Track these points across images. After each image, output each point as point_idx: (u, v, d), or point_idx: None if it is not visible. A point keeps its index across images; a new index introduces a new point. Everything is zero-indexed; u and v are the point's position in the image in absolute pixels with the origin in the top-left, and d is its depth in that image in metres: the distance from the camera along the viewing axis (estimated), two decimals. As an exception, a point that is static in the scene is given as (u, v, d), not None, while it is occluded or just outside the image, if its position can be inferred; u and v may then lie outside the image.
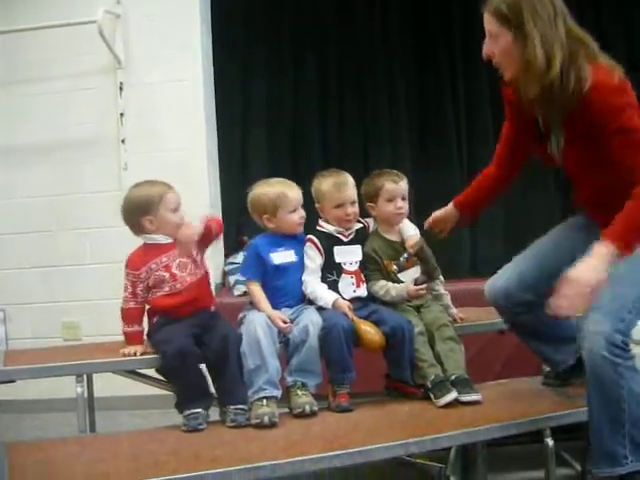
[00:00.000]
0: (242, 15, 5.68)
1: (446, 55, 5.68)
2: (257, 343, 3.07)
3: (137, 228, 3.26)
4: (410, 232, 3.47)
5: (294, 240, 3.40)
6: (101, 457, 2.70)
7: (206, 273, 3.35)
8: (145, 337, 3.25)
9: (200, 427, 2.96)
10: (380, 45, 5.69)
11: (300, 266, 3.37)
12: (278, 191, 3.34)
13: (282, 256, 3.36)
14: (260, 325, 3.11)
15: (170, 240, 3.23)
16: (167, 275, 3.18)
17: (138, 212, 3.22)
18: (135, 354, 3.15)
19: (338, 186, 3.38)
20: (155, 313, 3.21)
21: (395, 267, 3.39)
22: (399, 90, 5.68)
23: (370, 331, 3.17)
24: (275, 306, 3.27)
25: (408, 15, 5.74)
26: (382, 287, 3.36)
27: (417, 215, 5.32)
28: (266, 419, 2.93)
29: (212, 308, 3.35)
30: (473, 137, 5.71)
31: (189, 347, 3.01)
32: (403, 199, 3.45)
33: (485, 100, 5.68)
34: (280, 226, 3.37)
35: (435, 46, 5.68)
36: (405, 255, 3.37)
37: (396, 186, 3.43)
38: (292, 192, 3.36)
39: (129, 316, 3.20)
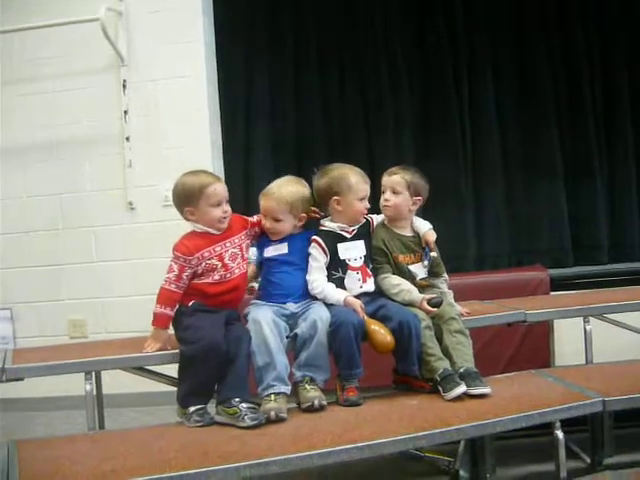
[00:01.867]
0: (244, 9, 5.66)
1: (449, 47, 5.64)
2: (264, 341, 3.07)
3: (183, 215, 3.27)
4: (426, 227, 3.48)
5: (290, 236, 3.39)
6: (110, 454, 2.69)
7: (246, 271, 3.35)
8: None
9: (212, 422, 2.97)
10: (382, 35, 5.66)
11: (295, 261, 3.36)
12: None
13: (273, 249, 3.37)
14: (266, 322, 3.11)
15: (219, 232, 3.25)
16: (219, 264, 3.19)
17: (181, 201, 3.24)
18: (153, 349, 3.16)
19: (364, 179, 3.41)
20: (193, 296, 3.19)
21: (426, 262, 3.43)
22: (402, 82, 5.65)
23: (380, 331, 3.16)
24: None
25: (411, 3, 5.71)
26: (395, 286, 3.35)
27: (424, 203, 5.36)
28: (272, 414, 2.93)
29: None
30: (476, 130, 5.69)
31: (221, 344, 3.01)
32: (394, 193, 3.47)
33: (489, 92, 5.66)
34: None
35: (438, 38, 5.65)
36: (427, 250, 3.43)
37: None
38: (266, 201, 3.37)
39: (166, 298, 3.16)
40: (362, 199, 3.37)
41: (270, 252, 3.37)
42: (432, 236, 3.45)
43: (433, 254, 3.43)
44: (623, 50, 5.64)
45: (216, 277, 3.19)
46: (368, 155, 5.61)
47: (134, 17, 5.30)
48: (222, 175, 5.42)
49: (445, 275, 3.56)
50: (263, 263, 3.37)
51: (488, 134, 5.66)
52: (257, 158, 5.58)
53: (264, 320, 3.13)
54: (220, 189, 3.24)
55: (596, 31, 5.64)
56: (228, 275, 3.21)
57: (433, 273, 3.51)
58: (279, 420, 2.93)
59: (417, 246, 3.46)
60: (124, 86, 5.29)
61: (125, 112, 5.29)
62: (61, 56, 5.35)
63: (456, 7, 5.64)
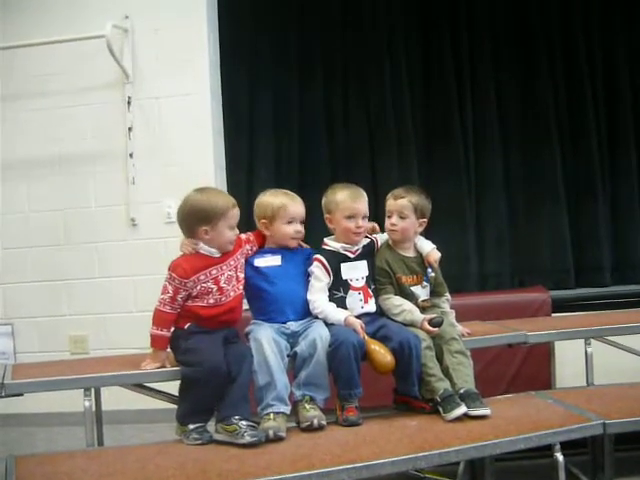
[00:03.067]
0: (249, 26, 5.68)
1: (453, 63, 5.66)
2: (265, 360, 3.06)
3: (190, 233, 3.22)
4: (429, 247, 3.48)
5: (285, 250, 3.40)
6: (108, 471, 2.69)
7: (242, 291, 3.34)
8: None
9: (210, 440, 2.96)
10: (387, 53, 5.68)
11: (290, 276, 3.36)
12: (280, 202, 3.37)
13: (265, 260, 3.36)
14: (267, 341, 3.11)
15: (220, 254, 3.23)
16: (215, 288, 3.18)
17: (197, 219, 3.18)
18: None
19: (354, 197, 3.38)
20: (188, 318, 3.18)
21: (425, 283, 3.43)
22: (405, 98, 5.67)
23: (380, 351, 3.15)
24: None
25: (414, 20, 5.73)
26: (397, 307, 3.36)
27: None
28: (271, 433, 2.92)
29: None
30: (479, 149, 5.70)
31: (223, 365, 3.00)
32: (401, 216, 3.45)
33: (492, 107, 5.68)
34: (274, 235, 3.39)
35: (442, 53, 5.67)
36: (430, 270, 3.41)
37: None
38: (292, 207, 3.38)
39: (161, 319, 3.15)
40: (350, 217, 3.36)
41: (262, 262, 3.37)
42: (435, 255, 3.45)
43: (432, 275, 3.43)
44: (627, 69, 5.65)
45: (211, 301, 3.18)
46: (371, 172, 5.62)
47: (139, 34, 5.33)
48: (225, 191, 5.44)
49: (447, 295, 3.56)
50: (252, 277, 3.35)
51: (491, 153, 5.67)
52: (260, 175, 5.58)
53: (265, 339, 3.12)
54: (238, 211, 3.25)
55: (599, 49, 5.66)
56: (223, 299, 3.20)
57: (435, 292, 3.51)
58: (277, 439, 2.92)
59: (419, 267, 3.46)
60: (129, 103, 5.31)
61: (129, 129, 5.30)
62: (66, 72, 5.37)
63: (460, 27, 5.67)
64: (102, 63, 5.25)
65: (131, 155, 5.31)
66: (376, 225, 3.56)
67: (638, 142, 5.67)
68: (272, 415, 2.98)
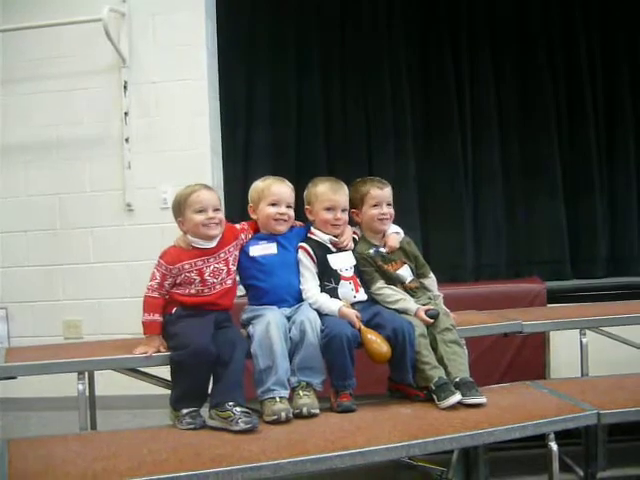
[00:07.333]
0: (247, 13, 5.67)
1: (451, 56, 5.65)
2: (271, 344, 3.06)
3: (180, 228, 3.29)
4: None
5: (280, 237, 3.39)
6: (101, 455, 2.68)
7: (234, 282, 3.33)
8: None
9: (204, 425, 2.95)
10: (385, 44, 5.67)
11: (286, 263, 3.35)
12: (264, 184, 3.39)
13: (261, 249, 3.35)
14: (275, 325, 3.10)
15: (212, 245, 3.24)
16: (198, 279, 3.19)
17: (174, 214, 3.28)
18: (146, 352, 3.13)
19: (334, 190, 3.41)
20: (174, 304, 3.19)
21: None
22: (404, 91, 5.66)
23: (377, 341, 3.14)
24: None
25: (413, 13, 5.72)
26: (390, 295, 3.36)
27: (423, 213, 5.34)
28: (283, 415, 2.94)
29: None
30: (477, 140, 5.69)
31: (209, 347, 2.99)
32: (388, 205, 3.48)
33: (490, 100, 5.67)
34: (259, 219, 3.39)
35: (441, 46, 5.66)
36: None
37: (381, 192, 3.47)
38: (276, 187, 3.38)
39: (151, 305, 3.17)
40: (329, 209, 3.38)
41: (257, 251, 3.36)
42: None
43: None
44: (626, 63, 5.65)
45: (192, 291, 3.20)
46: (368, 163, 5.62)
47: (137, 18, 5.31)
48: (221, 179, 5.43)
49: (431, 275, 3.56)
50: (248, 269, 3.35)
51: (489, 145, 5.67)
52: (256, 162, 5.57)
53: (274, 323, 3.12)
54: (204, 195, 3.24)
55: (599, 42, 5.66)
56: (206, 290, 3.21)
57: (419, 274, 3.52)
58: (287, 421, 2.95)
59: (395, 254, 3.47)
60: (125, 87, 5.29)
61: (125, 113, 5.28)
62: (62, 56, 5.35)
63: (460, 19, 5.65)
64: (99, 47, 5.24)
65: (127, 140, 5.29)
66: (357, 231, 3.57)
67: (636, 135, 5.68)
68: (278, 398, 2.99)
